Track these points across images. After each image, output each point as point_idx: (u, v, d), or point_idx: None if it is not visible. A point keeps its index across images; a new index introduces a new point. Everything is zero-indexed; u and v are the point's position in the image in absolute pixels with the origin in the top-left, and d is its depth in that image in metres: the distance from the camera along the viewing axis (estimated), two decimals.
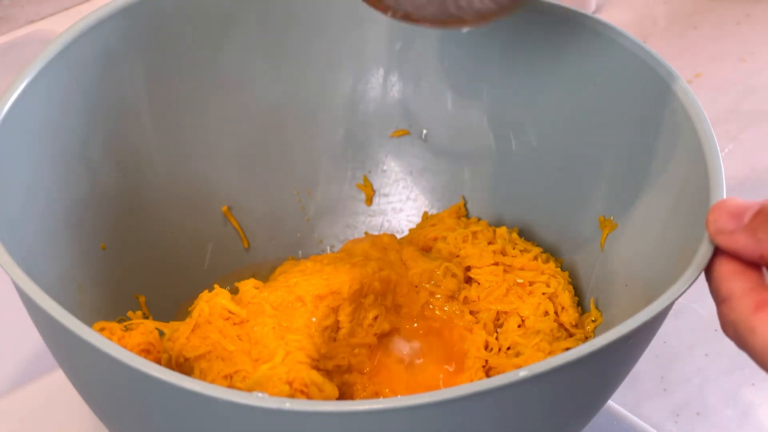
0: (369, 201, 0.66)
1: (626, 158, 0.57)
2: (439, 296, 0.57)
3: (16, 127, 0.50)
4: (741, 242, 0.43)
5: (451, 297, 0.58)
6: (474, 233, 0.60)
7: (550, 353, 0.55)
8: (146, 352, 0.53)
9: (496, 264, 0.59)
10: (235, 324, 0.53)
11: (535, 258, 0.59)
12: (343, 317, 0.54)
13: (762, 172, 0.78)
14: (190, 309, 0.54)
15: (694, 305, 0.67)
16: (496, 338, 0.57)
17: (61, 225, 0.54)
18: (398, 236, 0.63)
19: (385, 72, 0.64)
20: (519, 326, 0.57)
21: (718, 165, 0.49)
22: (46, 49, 0.53)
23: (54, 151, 0.54)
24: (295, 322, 0.53)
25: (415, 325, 0.57)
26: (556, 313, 0.57)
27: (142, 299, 0.60)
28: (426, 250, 0.61)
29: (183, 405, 0.42)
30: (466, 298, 0.58)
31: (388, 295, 0.57)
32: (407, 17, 0.49)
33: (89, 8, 0.80)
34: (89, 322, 0.50)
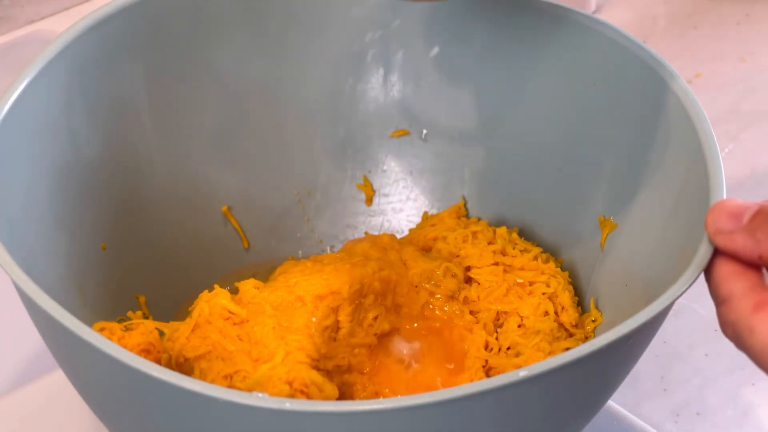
0: (369, 201, 0.66)
1: (626, 158, 0.57)
2: (439, 296, 0.57)
3: (16, 127, 0.50)
4: (740, 243, 0.43)
5: (451, 297, 0.58)
6: (474, 233, 0.60)
7: (550, 353, 0.55)
8: (146, 352, 0.53)
9: (496, 264, 0.59)
10: (235, 324, 0.53)
11: (535, 258, 0.59)
12: (343, 317, 0.54)
13: (762, 172, 0.78)
14: (190, 309, 0.54)
15: (694, 305, 0.67)
16: (496, 338, 0.57)
17: (61, 225, 0.54)
18: (398, 236, 0.63)
19: (385, 72, 0.64)
20: (519, 326, 0.57)
21: (718, 165, 0.49)
22: (46, 49, 0.53)
23: (54, 151, 0.54)
24: (295, 322, 0.53)
25: (415, 325, 0.57)
26: (556, 313, 0.57)
27: (142, 299, 0.60)
28: (426, 250, 0.61)
29: (183, 405, 0.42)
30: (466, 298, 0.58)
31: (388, 295, 0.57)
32: None
33: (89, 8, 0.80)
34: (89, 322, 0.50)
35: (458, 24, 0.61)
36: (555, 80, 0.59)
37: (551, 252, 0.61)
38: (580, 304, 0.59)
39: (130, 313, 0.58)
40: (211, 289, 0.54)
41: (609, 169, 0.58)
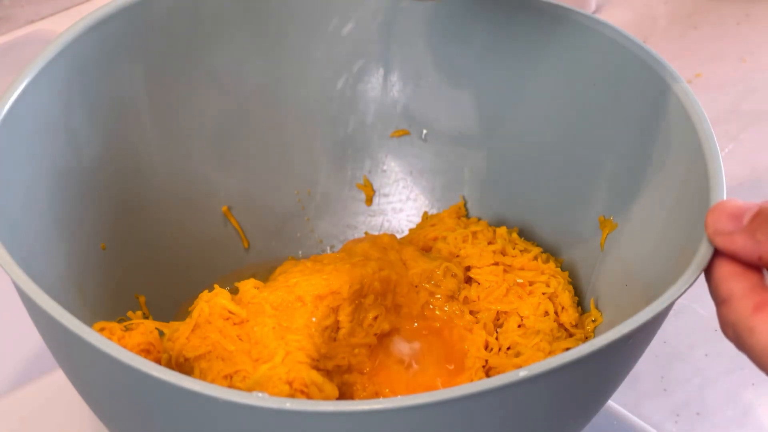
0: (369, 201, 0.66)
1: (626, 158, 0.57)
2: (439, 296, 0.57)
3: (16, 127, 0.50)
4: (740, 243, 0.43)
5: (451, 297, 0.58)
6: (474, 233, 0.60)
7: (550, 353, 0.55)
8: (146, 352, 0.53)
9: (496, 264, 0.59)
10: (235, 324, 0.53)
11: (535, 258, 0.59)
12: (343, 317, 0.54)
13: (762, 172, 0.78)
14: (190, 309, 0.54)
15: (694, 305, 0.67)
16: (496, 338, 0.57)
17: (61, 225, 0.54)
18: (398, 236, 0.63)
19: (385, 72, 0.64)
20: (519, 326, 0.57)
21: (718, 165, 0.49)
22: (46, 49, 0.53)
23: (54, 152, 0.54)
24: (295, 322, 0.53)
25: (415, 325, 0.57)
26: (556, 313, 0.57)
27: (142, 299, 0.60)
28: (426, 250, 0.61)
29: (183, 405, 0.42)
30: (466, 298, 0.58)
31: (388, 295, 0.57)
32: None
33: (89, 8, 0.80)
34: (89, 322, 0.50)
35: (458, 24, 0.61)
36: (555, 80, 0.59)
37: (551, 252, 0.61)
38: (580, 304, 0.59)
39: (130, 313, 0.58)
40: (211, 289, 0.54)
41: (609, 169, 0.58)
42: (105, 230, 0.58)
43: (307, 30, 0.62)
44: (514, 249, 0.60)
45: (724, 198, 0.47)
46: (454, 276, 0.58)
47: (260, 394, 0.40)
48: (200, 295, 0.54)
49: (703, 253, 0.45)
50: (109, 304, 0.57)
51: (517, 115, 0.61)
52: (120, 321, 0.55)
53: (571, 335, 0.57)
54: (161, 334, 0.54)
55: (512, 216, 0.63)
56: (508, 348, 0.56)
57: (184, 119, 0.61)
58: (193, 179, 0.62)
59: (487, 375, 0.56)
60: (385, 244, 0.59)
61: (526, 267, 0.59)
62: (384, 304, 0.56)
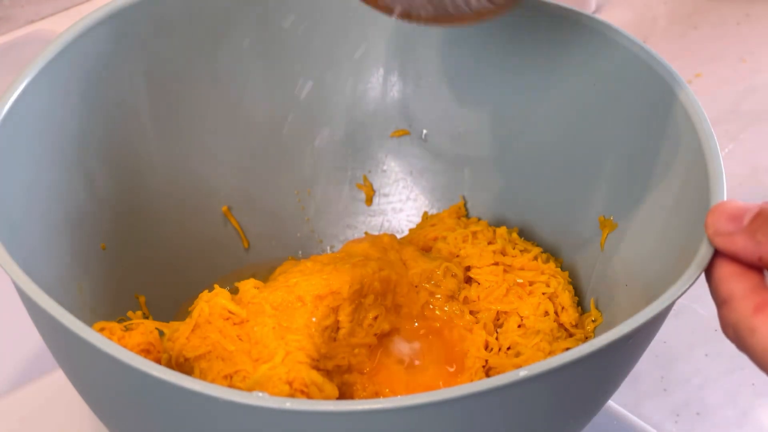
0: (369, 201, 0.66)
1: (626, 158, 0.57)
2: (439, 296, 0.57)
3: (16, 127, 0.50)
4: (740, 244, 0.43)
5: (451, 297, 0.58)
6: (474, 233, 0.60)
7: (550, 353, 0.55)
8: (146, 352, 0.53)
9: (496, 264, 0.59)
10: (235, 324, 0.53)
11: (535, 258, 0.59)
12: (343, 317, 0.54)
13: (762, 172, 0.78)
14: (190, 309, 0.54)
15: (694, 305, 0.67)
16: (496, 338, 0.57)
17: (61, 225, 0.54)
18: (398, 236, 0.63)
19: (385, 72, 0.64)
20: (519, 326, 0.57)
21: (718, 165, 0.49)
22: (46, 49, 0.53)
23: (54, 151, 0.54)
24: (295, 322, 0.53)
25: (415, 325, 0.57)
26: (556, 313, 0.57)
27: (142, 299, 0.60)
28: (426, 250, 0.61)
29: (183, 405, 0.42)
30: (466, 298, 0.58)
31: (388, 295, 0.57)
32: (406, 16, 0.50)
33: (89, 8, 0.80)
34: (89, 322, 0.50)
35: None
36: (555, 80, 0.59)
37: (551, 252, 0.61)
38: (580, 304, 0.59)
39: (130, 313, 0.58)
40: (211, 289, 0.54)
41: (609, 169, 0.58)
42: (105, 230, 0.58)
43: (307, 30, 0.62)
44: (514, 249, 0.60)
45: (725, 198, 0.47)
46: (454, 276, 0.58)
47: (260, 394, 0.40)
48: (200, 295, 0.54)
49: (704, 253, 0.45)
50: (109, 304, 0.57)
51: (516, 114, 0.61)
52: (120, 321, 0.55)
53: (571, 335, 0.57)
54: (161, 334, 0.54)
55: (512, 216, 0.63)
56: (508, 348, 0.56)
57: (184, 119, 0.61)
58: (193, 179, 0.62)
59: (487, 375, 0.56)
60: (385, 244, 0.59)
61: (526, 267, 0.59)
62: (384, 304, 0.56)
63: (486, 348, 0.56)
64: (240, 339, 0.52)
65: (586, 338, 0.57)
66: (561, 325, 0.57)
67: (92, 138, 0.57)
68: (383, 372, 0.56)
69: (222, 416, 0.41)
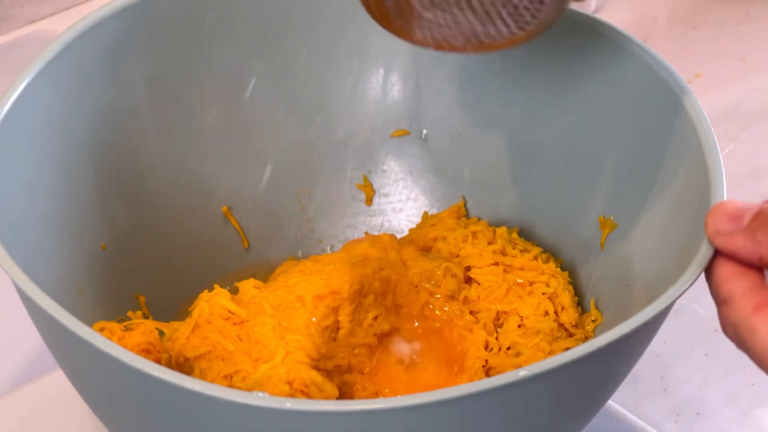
0: (369, 201, 0.66)
1: (626, 158, 0.57)
2: (439, 296, 0.57)
3: (16, 127, 0.50)
4: (740, 244, 0.43)
5: (451, 297, 0.58)
6: (474, 233, 0.60)
7: (550, 353, 0.55)
8: (146, 352, 0.53)
9: (496, 264, 0.59)
10: (235, 324, 0.53)
11: (535, 258, 0.59)
12: (343, 317, 0.54)
13: (762, 172, 0.78)
14: (190, 309, 0.54)
15: (694, 305, 0.67)
16: (496, 338, 0.57)
17: (62, 225, 0.54)
18: (398, 236, 0.62)
19: (385, 72, 0.64)
20: (519, 326, 0.57)
21: (718, 165, 0.49)
22: (46, 49, 0.53)
23: (54, 151, 0.54)
24: (295, 322, 0.53)
25: (416, 324, 0.57)
26: (556, 313, 0.57)
27: (142, 299, 0.60)
28: (426, 250, 0.61)
29: (183, 405, 0.42)
30: (466, 298, 0.58)
31: (388, 295, 0.57)
32: (439, 47, 0.50)
33: (89, 8, 0.80)
34: (89, 322, 0.50)
35: None
36: (554, 80, 0.59)
37: (551, 252, 0.61)
38: (580, 304, 0.59)
39: (130, 313, 0.58)
40: (211, 289, 0.54)
41: (609, 169, 0.58)
42: (105, 230, 0.58)
43: (307, 30, 0.62)
44: (514, 249, 0.60)
45: (725, 198, 0.47)
46: (454, 276, 0.58)
47: (260, 394, 0.40)
48: (200, 295, 0.54)
49: (704, 253, 0.45)
50: (109, 304, 0.57)
51: (516, 114, 0.61)
52: (120, 321, 0.55)
53: (571, 335, 0.57)
54: (161, 334, 0.54)
55: (512, 216, 0.63)
56: (508, 348, 0.56)
57: (184, 119, 0.61)
58: (193, 179, 0.62)
59: (487, 375, 0.56)
60: (385, 244, 0.59)
61: (526, 267, 0.59)
62: (384, 304, 0.56)
63: (486, 348, 0.56)
64: (240, 339, 0.52)
65: (586, 338, 0.57)
66: (561, 325, 0.57)
67: (92, 138, 0.57)
68: (383, 372, 0.56)
69: (222, 416, 0.41)
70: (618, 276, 0.56)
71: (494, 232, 0.61)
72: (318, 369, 0.52)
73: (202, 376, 0.52)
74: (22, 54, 0.85)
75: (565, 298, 0.57)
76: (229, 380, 0.51)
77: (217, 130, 0.62)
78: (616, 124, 0.57)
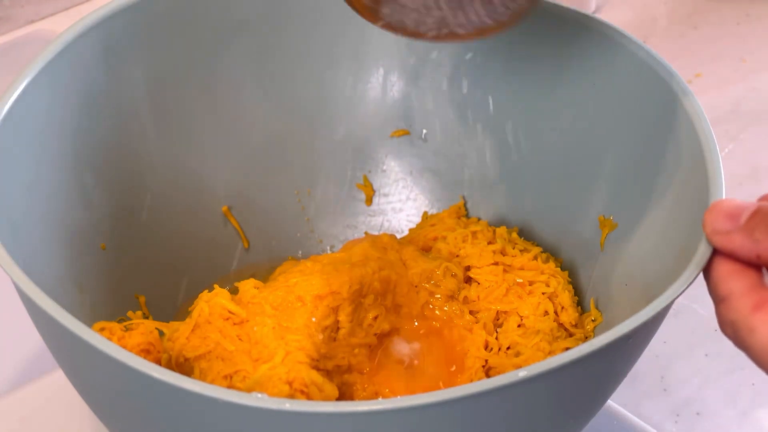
0: (369, 201, 0.66)
1: (626, 158, 0.57)
2: (438, 296, 0.57)
3: (16, 127, 0.50)
4: (738, 242, 0.43)
5: (451, 297, 0.58)
6: (474, 233, 0.60)
7: (550, 353, 0.55)
8: (146, 352, 0.53)
9: (496, 264, 0.59)
10: (235, 324, 0.53)
11: (535, 258, 0.59)
12: (343, 317, 0.54)
13: (762, 172, 0.78)
14: (190, 309, 0.54)
15: (694, 305, 0.67)
16: (496, 338, 0.57)
17: (62, 225, 0.54)
18: (398, 236, 0.63)
19: (385, 72, 0.64)
20: (519, 326, 0.57)
21: (718, 165, 0.49)
22: (46, 49, 0.53)
23: (54, 151, 0.54)
24: (295, 322, 0.53)
25: (415, 324, 0.57)
26: (555, 312, 0.57)
27: (142, 299, 0.60)
28: (426, 250, 0.61)
29: (182, 406, 0.42)
30: (465, 297, 0.58)
31: (388, 295, 0.57)
32: (408, 33, 0.50)
33: (89, 8, 0.80)
34: (89, 322, 0.51)
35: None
36: (555, 80, 0.59)
37: (551, 252, 0.61)
38: (580, 304, 0.59)
39: (130, 313, 0.58)
40: (211, 289, 0.54)
41: (609, 169, 0.58)
42: (105, 230, 0.58)
43: (307, 30, 0.62)
44: (513, 249, 0.60)
45: (724, 198, 0.47)
46: (453, 276, 0.58)
47: (260, 395, 0.40)
48: (200, 295, 0.54)
49: (703, 252, 0.45)
50: (109, 304, 0.57)
51: (516, 114, 0.61)
52: (120, 321, 0.55)
53: (571, 335, 0.57)
54: (161, 334, 0.54)
55: (512, 216, 0.63)
56: (508, 348, 0.56)
57: (184, 119, 0.61)
58: (193, 179, 0.62)
59: (487, 375, 0.56)
60: (385, 244, 0.59)
61: (525, 267, 0.59)
62: (384, 304, 0.56)
63: (486, 348, 0.56)
64: (240, 339, 0.52)
65: (586, 338, 0.57)
66: (561, 325, 0.57)
67: (92, 138, 0.57)
68: (383, 372, 0.56)
69: (221, 417, 0.41)
70: (618, 276, 0.56)
71: (494, 232, 0.61)
72: (318, 369, 0.52)
73: (202, 376, 0.52)
74: (22, 54, 0.85)
75: (565, 297, 0.57)
76: (229, 380, 0.51)
77: (217, 130, 0.62)
78: (616, 124, 0.57)
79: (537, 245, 0.61)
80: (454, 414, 0.41)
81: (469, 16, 0.48)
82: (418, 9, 0.49)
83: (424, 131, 0.65)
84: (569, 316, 0.57)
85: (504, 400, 0.42)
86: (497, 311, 0.57)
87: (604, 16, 0.79)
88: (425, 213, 0.65)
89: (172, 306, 0.60)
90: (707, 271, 0.44)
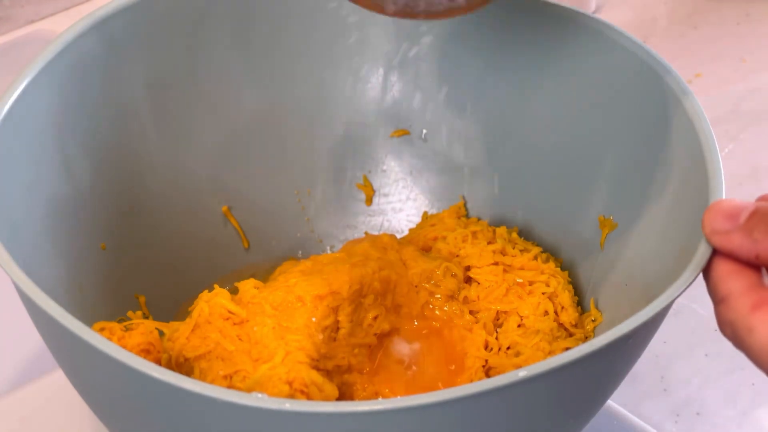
0: (369, 201, 0.66)
1: (626, 158, 0.57)
2: (438, 296, 0.57)
3: (16, 127, 0.50)
4: (737, 242, 0.43)
5: (451, 297, 0.58)
6: (474, 233, 0.60)
7: (550, 353, 0.55)
8: (146, 352, 0.53)
9: (496, 264, 0.59)
10: (235, 324, 0.53)
11: (535, 258, 0.59)
12: (343, 317, 0.54)
13: (762, 172, 0.78)
14: (190, 309, 0.54)
15: (694, 305, 0.67)
16: (496, 338, 0.57)
17: (62, 225, 0.54)
18: (398, 236, 0.63)
19: (385, 72, 0.64)
20: (519, 326, 0.57)
21: (718, 165, 0.49)
22: (47, 49, 0.53)
23: (54, 151, 0.54)
24: (295, 322, 0.53)
25: (415, 324, 0.57)
26: (555, 312, 0.57)
27: (142, 299, 0.60)
28: (426, 250, 0.61)
29: (182, 406, 0.42)
30: (465, 297, 0.58)
31: (388, 295, 0.57)
32: (374, 7, 0.49)
33: (89, 8, 0.80)
34: (89, 322, 0.50)
35: (459, 24, 0.61)
36: (555, 80, 0.59)
37: (551, 252, 0.61)
38: (580, 304, 0.59)
39: (130, 313, 0.58)
40: (211, 289, 0.54)
41: (609, 169, 0.58)
42: (105, 230, 0.58)
43: (307, 30, 0.62)
44: (513, 249, 0.60)
45: (724, 198, 0.47)
46: (453, 276, 0.58)
47: (259, 395, 0.40)
48: (200, 295, 0.54)
49: (702, 252, 0.45)
50: (109, 304, 0.57)
51: (516, 114, 0.61)
52: (120, 321, 0.55)
53: (571, 335, 0.57)
54: (161, 334, 0.54)
55: (512, 216, 0.63)
56: (508, 348, 0.56)
57: (184, 119, 0.61)
58: (193, 179, 0.62)
59: (487, 375, 0.56)
60: (385, 244, 0.59)
61: (525, 267, 0.59)
62: (384, 304, 0.56)
63: (486, 348, 0.56)
64: (240, 339, 0.52)
65: (586, 338, 0.57)
66: (561, 325, 0.57)
67: (92, 138, 0.57)
68: (383, 372, 0.56)
69: (221, 417, 0.41)
70: (618, 276, 0.56)
71: (494, 232, 0.61)
72: (318, 369, 0.52)
73: (202, 376, 0.52)
74: (22, 54, 0.85)
75: (565, 297, 0.57)
76: (229, 380, 0.51)
77: (217, 130, 0.62)
78: (616, 124, 0.57)
79: (537, 245, 0.61)
80: (454, 414, 0.41)
81: None
82: None
83: (424, 131, 0.65)
84: (569, 316, 0.57)
85: (504, 400, 0.42)
86: (497, 311, 0.57)
87: (604, 16, 0.79)
88: (425, 213, 0.65)
89: (172, 306, 0.60)
90: (707, 271, 0.44)
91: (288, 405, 0.39)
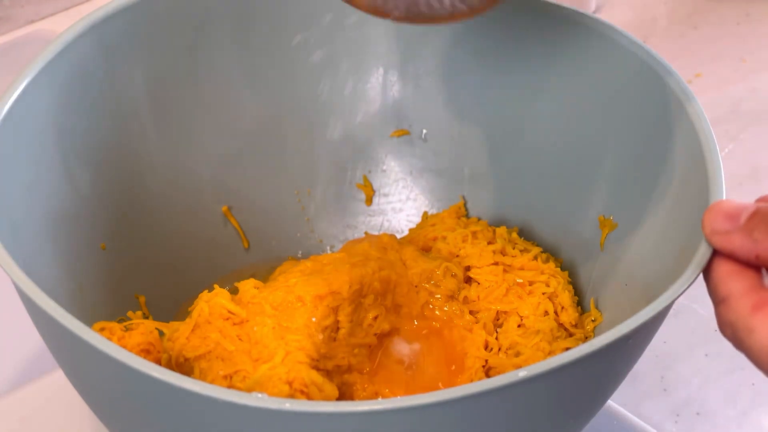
0: (369, 201, 0.66)
1: (626, 158, 0.57)
2: (438, 296, 0.57)
3: (16, 127, 0.50)
4: (737, 243, 0.43)
5: (451, 297, 0.58)
6: (474, 233, 0.60)
7: (550, 353, 0.55)
8: (146, 352, 0.53)
9: (496, 264, 0.59)
10: (235, 324, 0.53)
11: (535, 258, 0.59)
12: (343, 317, 0.54)
13: (762, 172, 0.78)
14: (190, 309, 0.54)
15: (694, 305, 0.67)
16: (496, 338, 0.57)
17: (62, 225, 0.54)
18: (398, 236, 0.63)
19: (385, 72, 0.64)
20: (519, 326, 0.57)
21: (718, 165, 0.49)
22: (46, 49, 0.53)
23: (54, 151, 0.54)
24: (295, 322, 0.53)
25: (415, 324, 0.57)
26: (555, 312, 0.57)
27: (142, 299, 0.60)
28: (426, 250, 0.61)
29: (182, 406, 0.42)
30: (465, 297, 0.58)
31: (388, 295, 0.57)
32: (376, 12, 0.49)
33: (89, 8, 0.80)
34: (89, 322, 0.50)
35: (459, 24, 0.61)
36: (555, 80, 0.59)
37: (551, 252, 0.61)
38: (580, 304, 0.59)
39: (130, 313, 0.58)
40: (211, 289, 0.54)
41: (609, 169, 0.58)
42: (105, 230, 0.58)
43: (306, 29, 0.62)
44: (513, 249, 0.60)
45: (724, 198, 0.47)
46: (453, 276, 0.58)
47: (259, 395, 0.40)
48: (200, 295, 0.54)
49: (703, 252, 0.45)
50: (109, 304, 0.57)
51: (517, 114, 0.61)
52: (120, 321, 0.55)
53: (571, 335, 0.57)
54: (161, 334, 0.54)
55: (512, 216, 0.63)
56: (508, 348, 0.56)
57: (184, 119, 0.61)
58: (193, 179, 0.62)
59: (487, 375, 0.56)
60: (385, 244, 0.59)
61: (525, 267, 0.59)
62: (384, 304, 0.56)
63: (486, 348, 0.56)
64: (240, 339, 0.52)
65: (586, 338, 0.57)
66: (561, 325, 0.57)
67: (92, 138, 0.57)
68: (383, 372, 0.56)
69: (221, 417, 0.41)
70: (618, 276, 0.56)
71: (494, 232, 0.61)
72: (318, 369, 0.52)
73: (202, 376, 0.52)
74: (22, 54, 0.85)
75: (565, 297, 0.57)
76: (229, 380, 0.51)
77: (217, 130, 0.62)
78: (616, 125, 0.57)
79: (537, 245, 0.61)
80: (454, 414, 0.41)
81: (443, 2, 0.48)
82: None
83: (424, 131, 0.65)
84: (569, 316, 0.57)
85: (504, 400, 0.42)
86: (497, 311, 0.57)
87: (604, 16, 0.79)
88: (425, 213, 0.65)
89: (172, 306, 0.60)
90: (707, 271, 0.44)
91: (288, 405, 0.39)
